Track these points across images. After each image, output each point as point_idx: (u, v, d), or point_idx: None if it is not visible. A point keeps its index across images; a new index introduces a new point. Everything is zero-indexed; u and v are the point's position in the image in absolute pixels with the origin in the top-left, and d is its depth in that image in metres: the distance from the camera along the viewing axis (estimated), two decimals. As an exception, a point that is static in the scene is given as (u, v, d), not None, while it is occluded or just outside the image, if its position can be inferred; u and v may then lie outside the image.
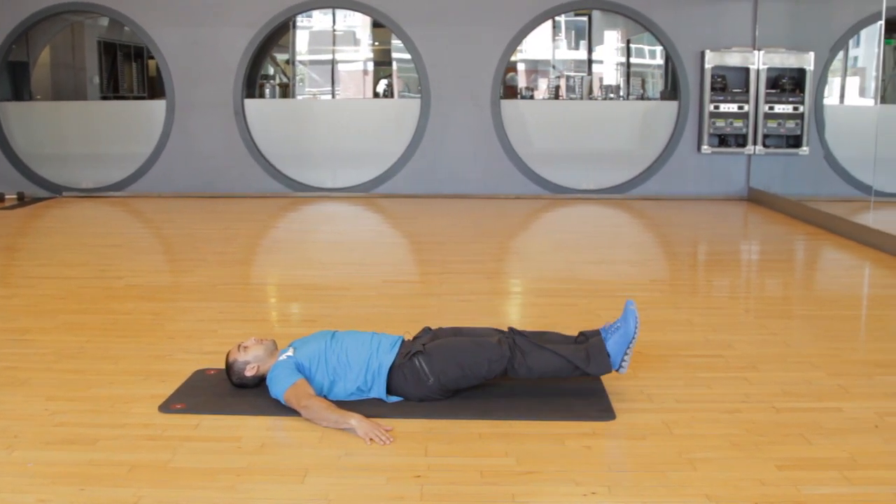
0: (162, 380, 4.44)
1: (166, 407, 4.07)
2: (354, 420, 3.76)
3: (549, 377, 4.17)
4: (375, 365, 4.09)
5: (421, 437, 3.73)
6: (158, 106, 11.92)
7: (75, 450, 3.59)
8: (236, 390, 4.24)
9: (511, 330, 4.27)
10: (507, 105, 11.86)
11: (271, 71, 14.49)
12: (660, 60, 12.86)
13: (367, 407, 3.99)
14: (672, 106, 11.76)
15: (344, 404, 3.97)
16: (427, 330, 4.42)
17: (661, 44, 11.70)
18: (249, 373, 4.20)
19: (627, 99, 12.88)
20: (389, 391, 4.10)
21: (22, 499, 3.17)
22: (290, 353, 4.15)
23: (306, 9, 11.95)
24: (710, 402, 4.18)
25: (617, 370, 4.14)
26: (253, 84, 12.41)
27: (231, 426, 3.86)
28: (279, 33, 12.98)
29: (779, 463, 3.46)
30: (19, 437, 3.72)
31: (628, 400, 4.17)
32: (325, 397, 4.03)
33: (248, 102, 11.85)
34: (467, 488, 3.26)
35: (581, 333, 4.32)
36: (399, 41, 12.00)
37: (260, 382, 4.22)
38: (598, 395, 4.21)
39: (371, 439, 3.67)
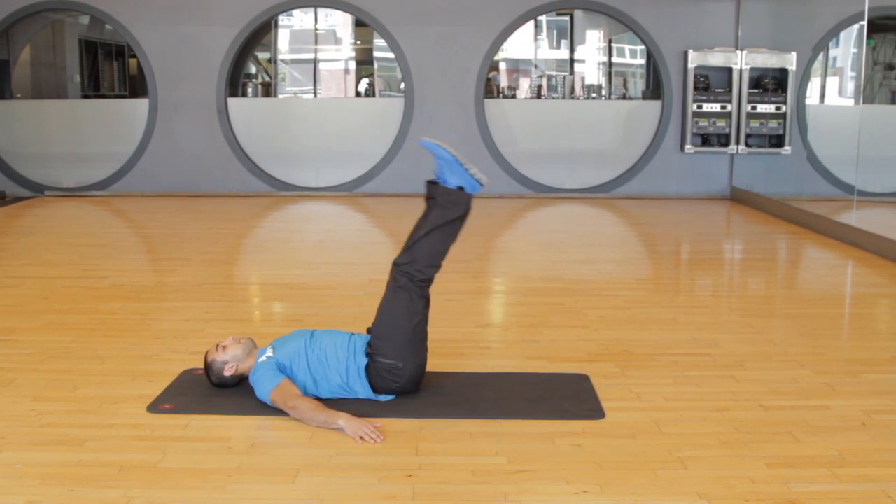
0: (149, 380, 4.42)
1: (155, 407, 4.05)
2: (342, 420, 3.75)
3: (446, 248, 4.17)
4: (353, 368, 4.08)
5: (412, 437, 3.73)
6: (141, 105, 11.87)
7: (64, 451, 3.57)
8: (225, 390, 4.22)
9: (393, 262, 4.19)
10: (491, 104, 11.87)
11: (254, 70, 14.45)
12: (641, 60, 12.91)
13: (357, 406, 3.98)
14: (655, 105, 11.81)
15: (335, 403, 3.97)
16: (370, 329, 4.37)
17: (644, 43, 11.74)
18: (228, 372, 4.18)
19: (610, 98, 12.92)
20: (377, 391, 4.10)
21: (12, 500, 3.15)
22: (269, 353, 4.13)
23: (289, 7, 11.93)
24: (698, 400, 4.19)
25: (481, 187, 4.12)
26: (236, 83, 12.37)
27: (220, 426, 3.84)
28: (262, 32, 12.94)
29: (768, 461, 3.48)
30: (6, 438, 3.70)
31: (617, 399, 4.18)
32: (314, 396, 4.03)
33: (232, 101, 11.81)
34: (459, 487, 3.27)
35: (428, 198, 4.22)
36: (381, 40, 11.99)
37: (239, 382, 4.21)
38: (587, 393, 4.23)
39: (361, 438, 3.66)
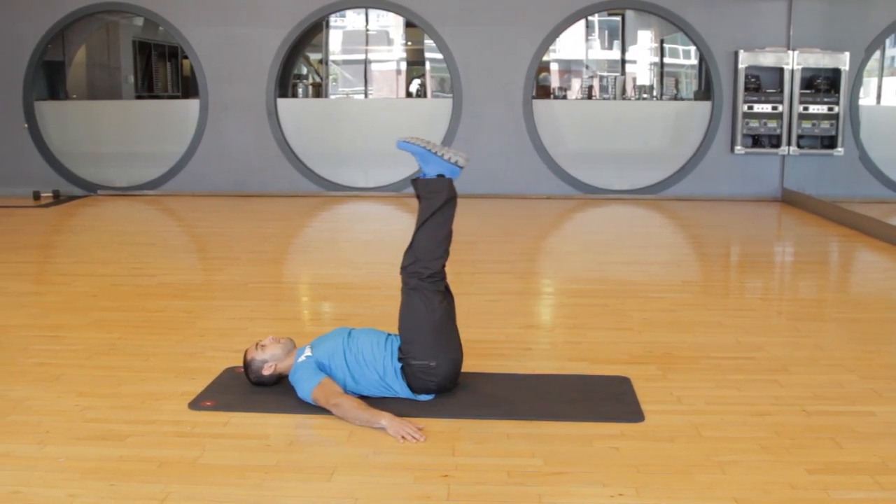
0: (192, 377, 4.47)
1: (196, 404, 4.10)
2: (385, 420, 3.76)
3: (443, 235, 4.16)
4: (391, 369, 4.09)
5: (449, 437, 3.73)
6: (192, 105, 12.01)
7: (106, 446, 3.63)
8: (266, 388, 4.26)
9: (400, 268, 4.20)
10: (539, 105, 11.83)
11: (304, 71, 14.56)
12: (693, 60, 12.78)
13: (396, 406, 3.99)
14: (705, 106, 11.69)
15: (377, 402, 3.99)
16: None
17: (695, 44, 11.62)
18: (267, 371, 4.21)
19: (661, 99, 12.80)
20: (416, 391, 4.11)
21: (53, 493, 3.21)
22: (308, 352, 4.16)
23: (339, 9, 11.99)
24: (739, 404, 4.14)
25: (460, 169, 4.12)
26: (286, 84, 12.47)
27: (260, 424, 3.88)
28: (312, 33, 13.03)
29: (809, 467, 3.43)
30: (51, 432, 3.77)
31: (657, 401, 4.15)
32: (355, 394, 4.05)
33: (281, 102, 11.90)
34: (494, 488, 3.26)
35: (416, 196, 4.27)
36: (432, 41, 12.01)
37: (278, 381, 4.25)
38: (627, 396, 4.20)
39: (403, 437, 3.67)
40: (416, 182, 4.17)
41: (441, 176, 4.13)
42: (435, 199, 4.12)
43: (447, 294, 4.19)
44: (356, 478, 3.35)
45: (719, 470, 3.40)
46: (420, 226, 4.14)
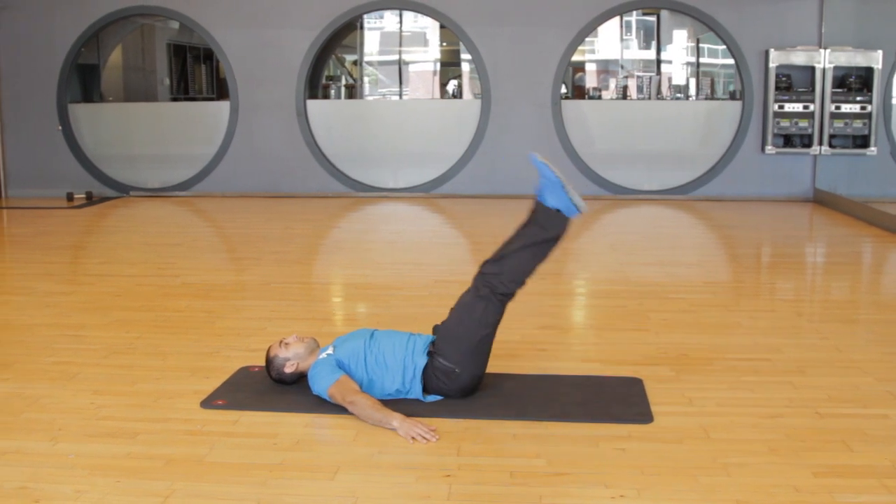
0: (206, 376, 4.51)
1: (208, 403, 4.14)
2: (396, 421, 3.77)
3: (535, 267, 4.15)
4: (411, 368, 4.11)
5: (455, 437, 3.73)
6: (223, 107, 12.11)
7: (116, 443, 3.67)
8: (278, 387, 4.29)
9: (480, 269, 4.21)
10: (568, 105, 11.80)
11: (338, 72, 14.61)
12: (731, 60, 12.65)
13: (405, 406, 4.00)
14: (736, 106, 11.59)
15: (384, 401, 4.00)
16: (436, 328, 4.39)
17: (725, 43, 11.52)
18: (289, 370, 4.24)
19: (697, 99, 12.69)
20: (427, 391, 4.12)
21: (60, 489, 3.25)
22: (330, 350, 4.19)
23: (365, 11, 12.02)
24: (751, 406, 4.10)
25: (580, 213, 4.09)
26: (316, 85, 12.53)
27: (269, 423, 3.91)
28: (343, 34, 13.07)
29: (816, 470, 3.39)
30: (64, 429, 3.82)
31: (668, 403, 4.12)
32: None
33: (311, 103, 11.97)
34: (495, 489, 3.26)
35: (531, 213, 4.22)
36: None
37: (298, 380, 4.27)
38: (638, 397, 4.18)
39: (413, 438, 3.68)
40: (539, 206, 4.12)
41: (559, 212, 4.09)
42: (548, 232, 4.11)
43: (501, 318, 4.18)
44: (359, 477, 3.36)
45: (724, 472, 3.38)
46: (521, 247, 4.12)
